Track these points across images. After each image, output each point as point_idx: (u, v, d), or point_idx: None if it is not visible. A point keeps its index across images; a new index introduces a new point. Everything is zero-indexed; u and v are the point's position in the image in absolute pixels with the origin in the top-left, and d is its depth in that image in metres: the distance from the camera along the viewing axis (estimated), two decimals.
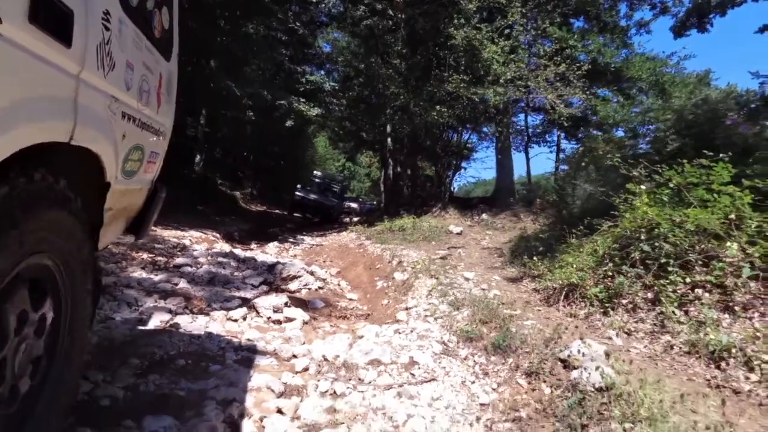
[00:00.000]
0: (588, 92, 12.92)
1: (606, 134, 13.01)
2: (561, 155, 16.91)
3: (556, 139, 20.61)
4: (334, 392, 2.46)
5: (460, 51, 11.55)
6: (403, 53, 12.35)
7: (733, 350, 2.44)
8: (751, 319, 2.74)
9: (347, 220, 17.72)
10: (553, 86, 12.04)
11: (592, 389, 2.14)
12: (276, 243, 9.49)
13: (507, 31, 11.73)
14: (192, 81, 8.68)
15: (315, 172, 21.34)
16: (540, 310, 3.73)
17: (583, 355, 2.43)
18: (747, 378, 2.26)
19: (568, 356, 2.50)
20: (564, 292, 3.94)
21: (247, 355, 2.95)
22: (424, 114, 11.83)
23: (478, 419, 2.24)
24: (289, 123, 12.02)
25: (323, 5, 13.85)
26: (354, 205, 22.13)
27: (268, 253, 8.15)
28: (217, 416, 2.05)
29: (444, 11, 11.31)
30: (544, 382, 2.45)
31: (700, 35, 27.09)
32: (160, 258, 5.73)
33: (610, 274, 3.77)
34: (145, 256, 5.59)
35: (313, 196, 16.37)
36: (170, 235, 7.51)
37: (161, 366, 2.59)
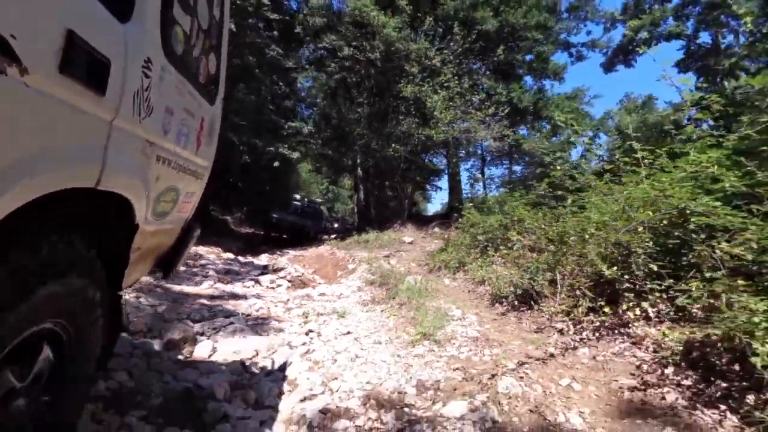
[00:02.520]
0: (512, 129, 16.20)
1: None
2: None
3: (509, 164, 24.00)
4: (302, 304, 5.28)
5: (410, 101, 14.69)
6: (366, 102, 15.45)
7: (492, 278, 5.31)
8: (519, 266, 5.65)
9: (326, 237, 20.50)
10: (485, 126, 15.22)
11: (409, 286, 5.01)
12: (267, 254, 12.24)
13: (446, 84, 14.91)
14: None
15: (294, 195, 22.54)
16: (419, 274, 6.61)
17: (415, 282, 5.31)
18: (485, 289, 5.13)
19: (414, 283, 5.37)
20: (438, 266, 6.84)
21: (258, 295, 5.75)
22: (382, 150, 14.88)
23: (363, 303, 5.06)
24: (276, 164, 14.85)
25: (303, 55, 16.87)
26: (335, 225, 24.93)
27: (262, 260, 10.91)
28: (251, 307, 4.85)
29: (394, 72, 14.48)
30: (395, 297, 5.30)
31: (627, 70, 30.75)
32: (186, 264, 8.46)
33: (462, 254, 6.68)
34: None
35: (290, 218, 17.34)
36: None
37: (213, 299, 5.36)
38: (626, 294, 3.21)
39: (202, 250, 10.85)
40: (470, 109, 15.17)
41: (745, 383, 2.12)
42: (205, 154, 2.26)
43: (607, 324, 3.19)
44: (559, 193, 5.81)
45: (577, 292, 3.64)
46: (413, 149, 15.30)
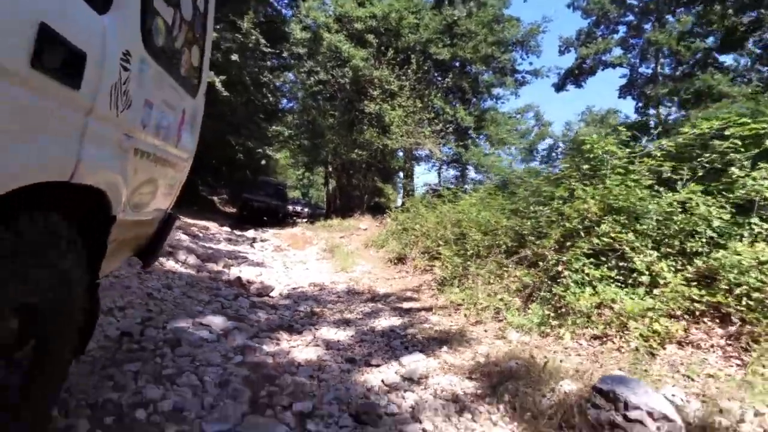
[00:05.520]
0: (457, 143, 20.21)
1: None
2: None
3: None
4: (281, 258, 9.02)
5: (372, 115, 18.37)
6: (336, 114, 19.08)
7: (392, 249, 9.15)
8: (407, 243, 9.53)
9: (299, 221, 24.07)
10: (432, 139, 19.09)
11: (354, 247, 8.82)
12: (252, 230, 15.84)
13: (402, 104, 18.62)
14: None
15: (260, 178, 22.32)
16: (358, 248, 10.41)
17: (349, 250, 9.12)
18: (389, 256, 8.97)
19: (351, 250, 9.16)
20: (371, 244, 10.66)
21: (254, 252, 9.44)
22: (348, 153, 18.59)
23: (317, 259, 8.82)
24: (262, 162, 18.38)
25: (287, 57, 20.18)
26: (306, 209, 28.43)
27: (250, 234, 14.52)
28: (254, 256, 8.57)
29: (360, 92, 18.15)
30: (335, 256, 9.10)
31: (578, 90, 35.18)
32: (199, 232, 11.99)
33: (386, 236, 10.51)
34: (194, 229, 11.84)
35: (261, 199, 17.93)
36: (192, 222, 13.74)
37: (230, 252, 9.02)
38: (438, 257, 7.08)
39: (203, 224, 14.37)
40: (422, 125, 18.98)
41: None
42: (185, 146, 2.24)
43: (426, 269, 7.05)
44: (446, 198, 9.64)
45: (422, 256, 7.51)
46: (373, 154, 19.04)
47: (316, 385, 2.69)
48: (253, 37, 14.52)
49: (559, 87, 31.73)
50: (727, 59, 16.89)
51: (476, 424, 2.20)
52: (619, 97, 32.97)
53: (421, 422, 2.21)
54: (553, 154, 36.66)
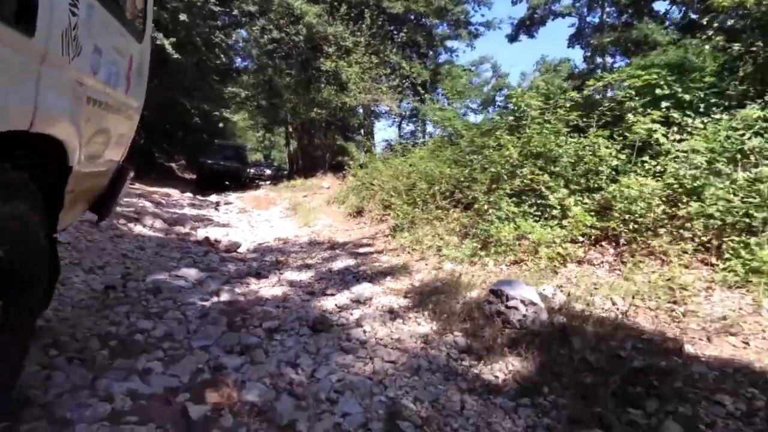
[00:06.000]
0: (414, 98, 20.52)
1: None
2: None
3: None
4: (246, 219, 9.44)
5: (329, 73, 18.33)
6: (292, 73, 18.89)
7: (350, 204, 9.73)
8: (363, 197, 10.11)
9: (261, 183, 24.13)
10: (390, 95, 19.31)
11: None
12: (216, 195, 15.97)
13: (358, 61, 18.61)
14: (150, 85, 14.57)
15: (215, 141, 21.52)
16: (320, 204, 10.91)
17: (310, 207, 9.63)
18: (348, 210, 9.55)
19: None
20: (332, 201, 11.17)
21: (218, 215, 9.80)
22: (307, 113, 18.62)
23: (281, 217, 9.31)
24: (220, 125, 18.18)
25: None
26: (268, 171, 28.39)
27: (212, 198, 14.69)
28: (219, 218, 8.95)
29: (315, 50, 18.00)
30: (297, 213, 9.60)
31: (531, 40, 35.60)
32: (161, 199, 12.12)
33: (347, 192, 11.03)
34: (156, 196, 11.96)
35: (220, 162, 17.40)
36: (152, 190, 13.78)
37: (195, 216, 9.35)
38: (392, 207, 7.70)
39: (164, 191, 14.40)
40: (379, 81, 19.11)
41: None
42: (135, 94, 2.24)
43: (381, 219, 7.67)
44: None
45: (378, 208, 8.11)
46: (332, 112, 19.14)
47: (281, 311, 3.29)
48: None
49: (513, 38, 32.05)
50: (662, 7, 17.65)
51: (404, 326, 2.87)
52: (568, 47, 33.61)
53: (362, 327, 2.86)
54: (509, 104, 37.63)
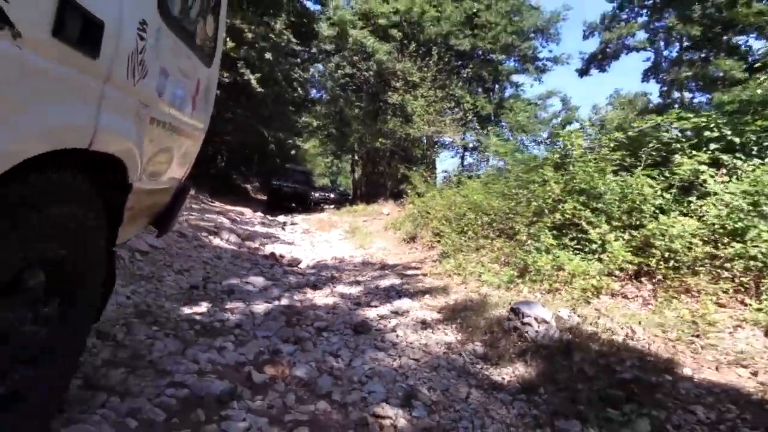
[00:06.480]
0: (477, 131, 20.94)
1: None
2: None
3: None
4: (309, 238, 10.24)
5: (396, 105, 19.34)
6: (361, 105, 20.14)
7: (405, 230, 10.24)
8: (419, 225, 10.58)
9: (326, 207, 25.43)
10: (453, 127, 19.91)
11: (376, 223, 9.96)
12: (282, 215, 17.22)
13: (424, 95, 19.49)
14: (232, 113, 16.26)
15: (286, 165, 23.05)
16: (377, 229, 11.53)
17: (368, 231, 10.26)
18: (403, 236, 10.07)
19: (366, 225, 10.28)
20: (389, 227, 11.75)
21: (285, 234, 10.71)
22: (372, 142, 19.65)
23: (340, 239, 10.00)
24: (293, 152, 19.74)
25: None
26: (333, 195, 29.76)
27: (280, 219, 15.88)
28: (285, 236, 9.83)
29: (384, 83, 19.13)
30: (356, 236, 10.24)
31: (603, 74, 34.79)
32: (236, 217, 13.39)
33: (403, 219, 11.58)
34: (232, 214, 13.24)
35: (289, 185, 19.07)
36: (229, 208, 15.20)
37: (265, 233, 10.31)
38: (441, 235, 8.10)
39: (239, 209, 15.82)
40: (443, 114, 19.82)
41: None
42: (200, 116, 2.31)
43: (432, 246, 8.09)
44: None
45: (430, 235, 8.55)
46: (396, 142, 20.05)
47: (330, 315, 3.82)
48: (285, 37, 15.73)
49: (583, 72, 31.65)
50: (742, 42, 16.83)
51: (433, 335, 3.26)
52: (643, 81, 32.43)
53: (396, 332, 3.30)
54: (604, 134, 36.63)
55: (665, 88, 29.33)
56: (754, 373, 2.55)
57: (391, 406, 2.12)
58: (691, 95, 27.20)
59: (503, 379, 2.52)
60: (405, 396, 2.26)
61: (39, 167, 1.12)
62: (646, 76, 29.89)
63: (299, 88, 18.11)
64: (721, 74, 16.31)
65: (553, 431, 1.96)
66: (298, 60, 18.77)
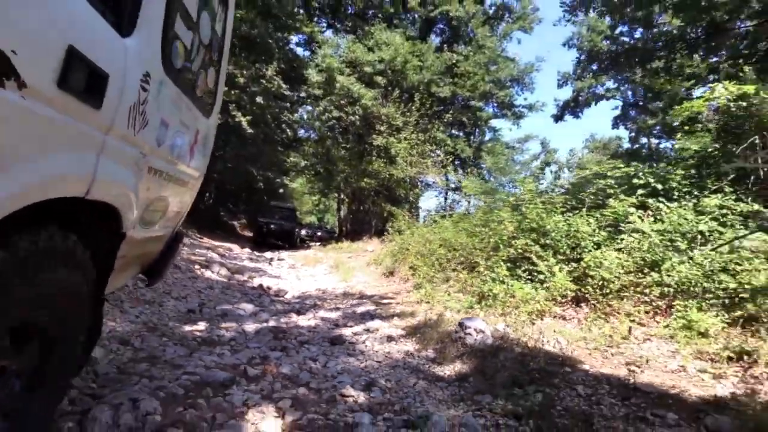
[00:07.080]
0: (457, 172, 22.07)
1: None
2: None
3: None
4: (294, 272, 10.84)
5: (380, 147, 20.43)
6: (348, 146, 21.22)
7: (384, 265, 10.93)
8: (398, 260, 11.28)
9: (312, 244, 26.02)
10: (435, 169, 20.99)
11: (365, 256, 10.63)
12: (269, 251, 17.78)
13: (406, 138, 20.65)
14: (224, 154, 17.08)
15: (272, 203, 23.41)
16: (360, 265, 12.19)
17: (351, 266, 10.92)
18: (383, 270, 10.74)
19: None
20: (372, 262, 12.42)
21: (272, 268, 11.31)
22: (357, 182, 20.59)
23: (324, 274, 10.61)
24: (280, 190, 20.60)
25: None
26: (319, 233, 30.42)
27: (267, 254, 16.44)
28: (272, 270, 10.42)
29: (369, 127, 20.30)
30: (339, 271, 10.89)
31: (576, 120, 36.82)
32: (225, 252, 13.94)
33: (385, 255, 12.29)
34: (221, 250, 13.79)
35: (276, 222, 19.64)
36: (217, 244, 15.75)
37: (252, 267, 10.90)
38: (416, 269, 8.81)
39: (227, 245, 16.38)
40: (425, 156, 20.94)
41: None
42: (197, 165, 2.31)
43: (408, 279, 8.78)
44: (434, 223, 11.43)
45: (406, 269, 9.25)
46: (380, 182, 21.02)
47: (311, 333, 4.47)
48: (275, 82, 16.89)
49: (558, 117, 33.59)
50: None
51: (396, 346, 3.93)
52: (613, 128, 34.49)
53: (365, 344, 3.96)
54: (557, 180, 38.51)
55: (633, 134, 31.32)
56: (639, 367, 3.26)
57: (354, 390, 2.77)
58: (657, 141, 29.09)
59: (444, 373, 3.19)
60: (366, 384, 2.92)
61: (27, 226, 1.12)
62: (616, 122, 31.97)
63: (288, 129, 19.17)
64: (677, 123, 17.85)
65: (472, 402, 2.63)
66: (288, 103, 19.95)
